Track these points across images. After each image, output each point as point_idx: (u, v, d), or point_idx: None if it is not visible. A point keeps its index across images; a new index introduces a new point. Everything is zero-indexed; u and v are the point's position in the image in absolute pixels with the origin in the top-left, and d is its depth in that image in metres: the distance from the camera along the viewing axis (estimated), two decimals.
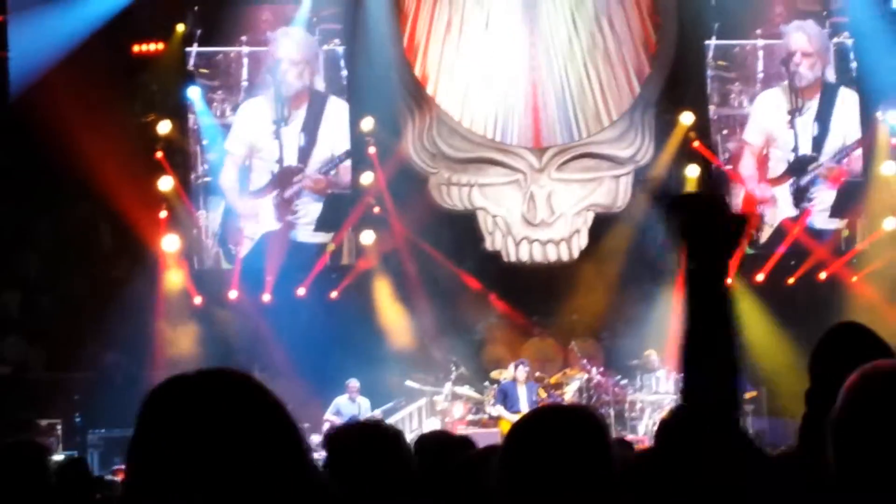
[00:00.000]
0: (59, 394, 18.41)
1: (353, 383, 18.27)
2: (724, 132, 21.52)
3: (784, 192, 21.33)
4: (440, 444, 4.33)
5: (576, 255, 21.06)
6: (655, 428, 16.99)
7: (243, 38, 20.63)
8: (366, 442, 3.57)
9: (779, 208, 21.28)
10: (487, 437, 13.26)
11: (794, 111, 21.28)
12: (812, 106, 21.32)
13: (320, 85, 20.88)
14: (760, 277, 20.73)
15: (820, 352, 3.95)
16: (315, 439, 17.20)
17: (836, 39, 21.46)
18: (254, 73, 20.71)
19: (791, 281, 20.94)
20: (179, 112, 20.52)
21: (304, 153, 20.71)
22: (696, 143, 20.96)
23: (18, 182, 19.20)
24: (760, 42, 21.47)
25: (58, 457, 13.93)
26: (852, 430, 2.58)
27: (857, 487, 2.53)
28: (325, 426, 18.12)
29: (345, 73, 20.86)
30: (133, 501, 1.98)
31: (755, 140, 21.39)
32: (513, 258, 21.06)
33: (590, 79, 21.27)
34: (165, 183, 19.85)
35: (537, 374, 19.09)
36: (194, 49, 20.57)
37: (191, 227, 20.32)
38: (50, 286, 19.84)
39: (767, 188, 21.31)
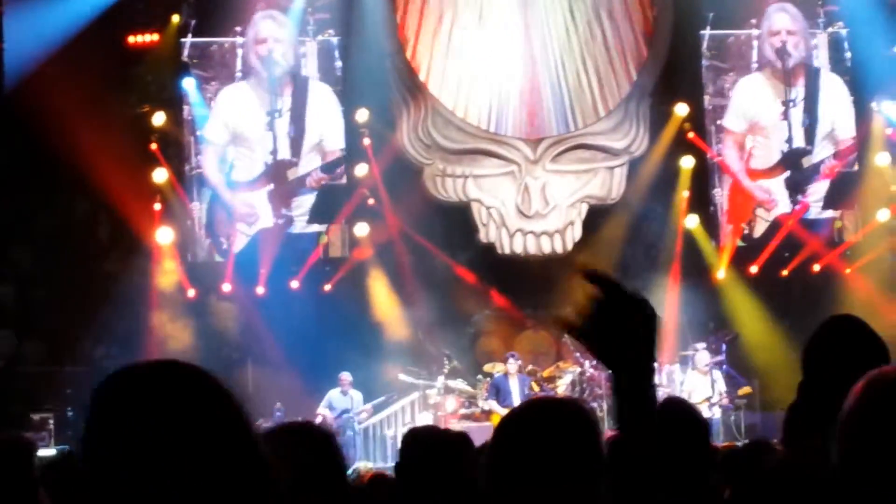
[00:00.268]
0: (51, 388, 18.37)
1: (346, 376, 18.27)
2: (719, 123, 21.51)
3: (779, 186, 21.30)
4: (431, 439, 4.31)
5: (570, 246, 21.04)
6: None
7: (238, 28, 20.61)
8: (293, 444, 3.54)
9: (775, 203, 21.23)
10: (480, 430, 13.26)
11: (788, 102, 21.25)
12: (799, 94, 21.28)
13: (305, 70, 20.84)
14: (754, 269, 20.73)
15: (813, 345, 3.94)
16: None
17: (830, 29, 21.44)
18: (248, 64, 20.68)
19: (785, 273, 20.92)
20: (174, 103, 20.51)
21: (295, 144, 20.66)
22: (690, 134, 20.95)
23: (12, 174, 19.16)
24: (755, 32, 21.45)
25: (50, 451, 13.92)
26: (859, 434, 2.56)
27: (861, 490, 2.52)
28: (318, 419, 18.13)
29: (339, 63, 20.83)
30: (86, 498, 1.95)
31: (736, 126, 21.35)
32: (507, 250, 21.04)
33: (585, 70, 21.25)
34: (160, 175, 19.82)
35: (530, 367, 19.07)
36: (189, 40, 20.55)
37: (185, 219, 20.30)
38: (43, 279, 19.79)
39: (760, 181, 21.27)
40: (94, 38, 19.13)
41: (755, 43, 21.46)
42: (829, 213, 21.29)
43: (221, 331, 19.64)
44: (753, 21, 21.40)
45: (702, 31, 21.30)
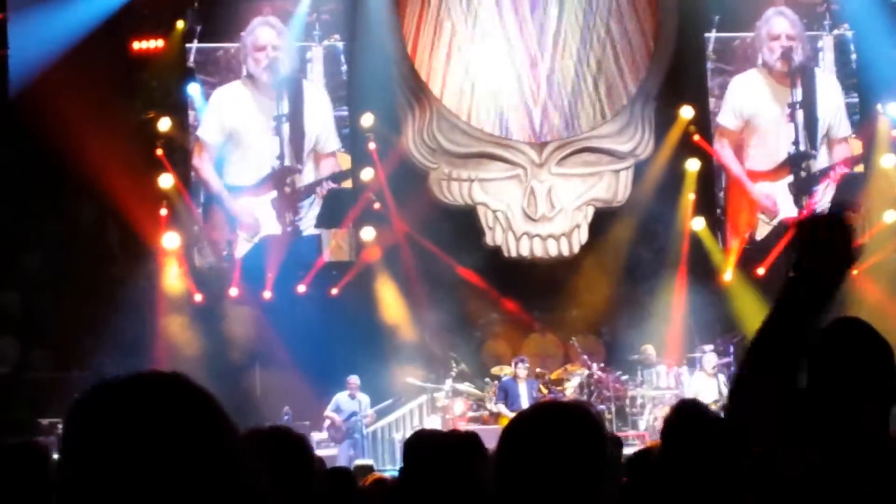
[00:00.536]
0: (59, 393, 18.37)
1: (353, 380, 18.28)
2: (714, 120, 21.44)
3: (782, 190, 21.27)
4: (436, 443, 4.31)
5: (576, 249, 21.03)
6: (657, 423, 17.03)
7: (243, 33, 20.62)
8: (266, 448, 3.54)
9: (777, 212, 21.20)
10: (488, 433, 13.26)
11: (794, 104, 21.24)
12: (798, 96, 21.26)
13: (311, 75, 20.84)
14: (761, 271, 20.71)
15: (818, 348, 3.93)
16: (316, 436, 17.25)
17: (836, 32, 21.41)
18: (251, 69, 20.68)
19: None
20: (180, 109, 20.52)
21: (297, 149, 20.66)
22: (696, 137, 20.94)
23: (18, 180, 19.19)
24: (757, 41, 21.42)
25: (59, 456, 13.93)
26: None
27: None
28: (326, 423, 18.16)
29: (345, 68, 20.84)
30: None
31: (730, 124, 21.33)
32: (513, 253, 21.04)
33: (591, 72, 21.25)
34: (166, 180, 19.84)
35: (538, 370, 19.08)
36: (194, 45, 20.57)
37: (191, 224, 20.31)
38: (50, 285, 19.81)
39: (762, 184, 21.24)
40: (99, 44, 19.15)
41: (759, 51, 21.43)
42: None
43: (230, 335, 19.63)
44: (758, 24, 21.38)
45: (707, 34, 21.29)
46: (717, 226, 21.17)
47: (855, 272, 20.53)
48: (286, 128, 20.63)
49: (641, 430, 17.78)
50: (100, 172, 18.16)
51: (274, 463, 3.55)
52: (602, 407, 18.08)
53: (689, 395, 17.45)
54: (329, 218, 20.72)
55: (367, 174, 20.51)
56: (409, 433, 17.66)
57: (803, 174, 21.26)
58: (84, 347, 19.11)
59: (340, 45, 20.86)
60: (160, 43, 20.27)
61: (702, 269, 20.71)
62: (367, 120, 20.41)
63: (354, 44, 20.77)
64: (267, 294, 20.05)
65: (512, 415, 16.77)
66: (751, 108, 21.27)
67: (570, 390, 18.60)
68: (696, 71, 21.43)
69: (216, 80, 20.71)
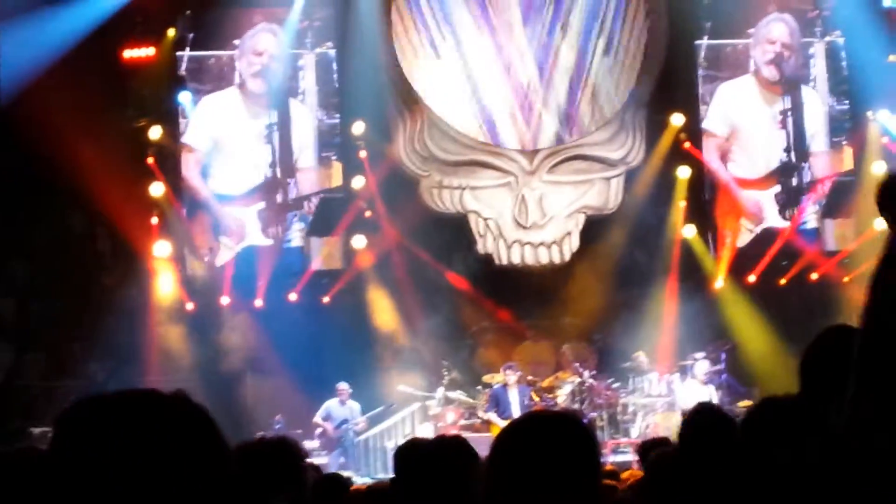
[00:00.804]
0: (52, 402, 18.34)
1: (343, 386, 18.29)
2: (702, 126, 21.43)
3: (768, 198, 21.27)
4: (427, 450, 4.30)
5: (567, 257, 21.03)
6: (648, 431, 17.02)
7: (235, 41, 20.61)
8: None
9: (762, 219, 21.22)
10: (479, 441, 13.23)
11: (786, 111, 21.27)
12: (787, 105, 21.28)
13: (303, 83, 20.84)
14: (752, 279, 20.73)
15: (811, 356, 3.93)
16: (307, 444, 17.22)
17: (827, 38, 21.43)
18: (244, 78, 20.68)
19: (783, 282, 20.92)
20: (171, 117, 20.49)
21: (285, 161, 20.65)
22: (686, 144, 20.95)
23: (9, 188, 19.16)
24: (751, 41, 21.44)
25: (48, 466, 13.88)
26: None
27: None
28: (317, 431, 18.14)
29: (336, 76, 20.83)
30: None
31: (717, 129, 21.33)
32: (505, 261, 21.03)
33: (581, 80, 21.25)
34: (157, 188, 19.80)
35: (529, 377, 19.06)
36: (186, 53, 20.55)
37: (182, 232, 20.28)
38: (42, 293, 19.78)
39: (750, 192, 21.24)
40: (90, 53, 19.10)
41: (752, 53, 21.46)
42: (827, 222, 21.28)
43: (222, 343, 19.60)
44: (750, 31, 21.37)
45: (698, 42, 21.30)
46: (707, 233, 21.17)
47: (846, 279, 20.60)
48: (276, 137, 20.63)
49: (633, 437, 17.77)
50: (91, 180, 18.13)
51: (269, 473, 3.54)
52: (594, 414, 18.09)
53: (680, 402, 17.47)
54: (321, 226, 20.71)
55: (358, 182, 20.51)
56: (400, 442, 17.69)
57: (794, 182, 21.27)
58: (76, 355, 19.10)
59: (332, 52, 20.85)
60: (151, 51, 20.22)
61: (693, 277, 20.72)
62: (358, 128, 20.40)
63: (345, 51, 20.76)
64: (258, 302, 20.03)
65: (503, 423, 16.74)
66: (738, 114, 21.29)
67: (561, 398, 18.59)
68: (687, 78, 21.44)
69: (207, 88, 20.69)
